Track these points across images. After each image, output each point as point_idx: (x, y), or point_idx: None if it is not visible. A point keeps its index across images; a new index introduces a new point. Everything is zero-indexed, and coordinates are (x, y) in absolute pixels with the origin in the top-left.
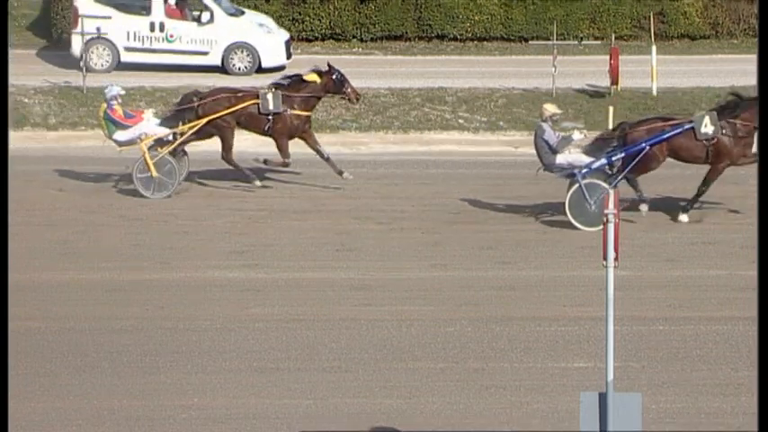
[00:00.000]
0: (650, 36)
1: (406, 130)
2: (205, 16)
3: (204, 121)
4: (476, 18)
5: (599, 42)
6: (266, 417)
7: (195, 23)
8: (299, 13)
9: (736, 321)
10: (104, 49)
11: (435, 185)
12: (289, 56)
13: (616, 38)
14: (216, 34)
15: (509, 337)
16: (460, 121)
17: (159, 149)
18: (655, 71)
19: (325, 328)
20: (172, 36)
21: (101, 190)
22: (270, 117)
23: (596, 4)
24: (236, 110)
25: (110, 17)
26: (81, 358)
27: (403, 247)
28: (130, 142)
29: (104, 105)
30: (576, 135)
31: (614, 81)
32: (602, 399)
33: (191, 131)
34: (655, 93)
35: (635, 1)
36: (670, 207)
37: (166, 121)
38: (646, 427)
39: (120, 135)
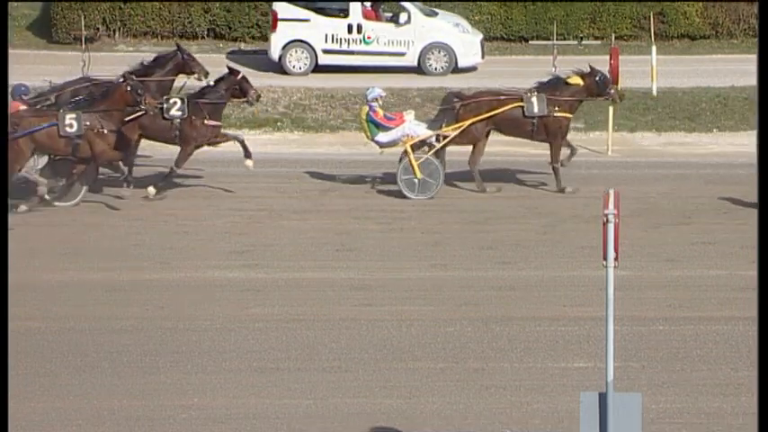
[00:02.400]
0: (650, 36)
1: None
2: (402, 17)
3: (467, 123)
4: (476, 18)
5: (599, 42)
6: (266, 417)
7: (392, 24)
8: None
9: (736, 321)
10: (302, 52)
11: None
12: (483, 55)
13: (616, 38)
14: (413, 35)
15: (509, 337)
16: None
17: (425, 151)
18: (655, 71)
19: (325, 328)
20: (369, 37)
21: (101, 190)
22: (534, 120)
23: (596, 4)
24: (499, 113)
25: (308, 20)
26: (81, 358)
27: (403, 247)
28: (392, 144)
29: (366, 107)
30: None
31: (614, 81)
32: (602, 399)
33: (453, 134)
34: (655, 93)
35: (635, 1)
36: (671, 207)
37: (428, 123)
38: (646, 427)
39: (383, 137)
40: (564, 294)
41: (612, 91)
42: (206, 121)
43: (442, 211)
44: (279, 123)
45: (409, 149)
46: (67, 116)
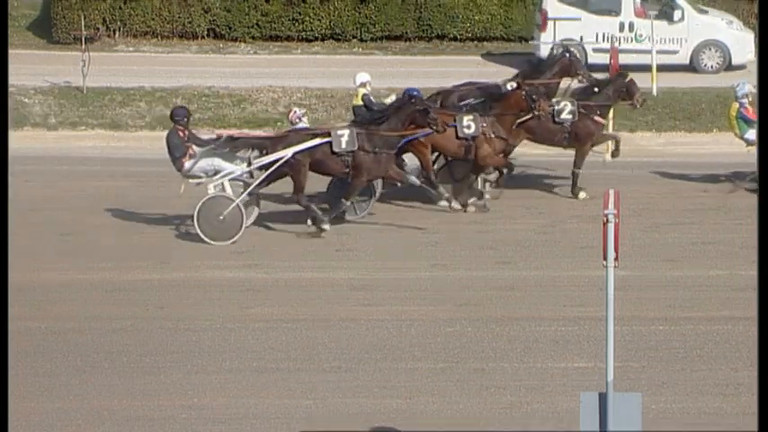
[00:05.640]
0: (650, 36)
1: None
2: (676, 14)
3: None
4: (476, 18)
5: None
6: (266, 417)
7: (665, 22)
8: (299, 13)
9: (736, 321)
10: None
11: None
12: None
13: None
14: (686, 32)
15: (509, 337)
16: None
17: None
18: (655, 71)
19: (325, 328)
20: (641, 35)
21: (101, 190)
22: None
23: None
24: None
25: (579, 19)
26: (81, 358)
27: (403, 247)
28: None
29: (736, 104)
30: None
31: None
32: (602, 399)
33: None
34: (655, 93)
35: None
36: (671, 207)
37: None
38: (646, 427)
39: (753, 134)
40: (564, 294)
41: None
42: (595, 118)
43: (442, 211)
44: (279, 123)
45: None
46: (465, 118)
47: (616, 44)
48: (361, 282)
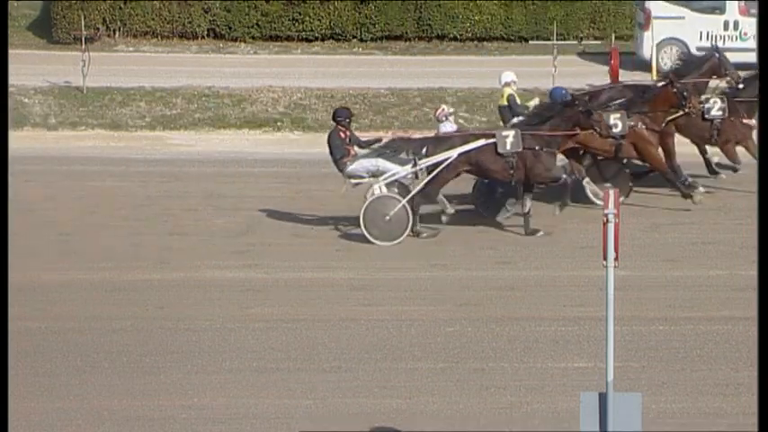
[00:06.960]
0: (650, 36)
1: (406, 130)
2: None
3: None
4: (476, 18)
5: (599, 42)
6: (266, 417)
7: None
8: (299, 13)
9: (736, 321)
10: (675, 50)
11: None
12: None
13: (616, 38)
14: None
15: (509, 337)
16: (460, 121)
17: None
18: (655, 71)
19: (325, 328)
20: (745, 34)
21: (101, 190)
22: None
23: (596, 3)
24: None
25: (683, 17)
26: (81, 358)
27: (403, 247)
28: None
29: None
30: None
31: (614, 81)
32: (602, 399)
33: None
34: None
35: (635, 1)
36: (671, 207)
37: None
38: (646, 427)
39: None
40: (564, 294)
41: None
42: (744, 120)
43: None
44: (279, 123)
45: None
46: (612, 116)
47: (615, 45)
48: (361, 282)
